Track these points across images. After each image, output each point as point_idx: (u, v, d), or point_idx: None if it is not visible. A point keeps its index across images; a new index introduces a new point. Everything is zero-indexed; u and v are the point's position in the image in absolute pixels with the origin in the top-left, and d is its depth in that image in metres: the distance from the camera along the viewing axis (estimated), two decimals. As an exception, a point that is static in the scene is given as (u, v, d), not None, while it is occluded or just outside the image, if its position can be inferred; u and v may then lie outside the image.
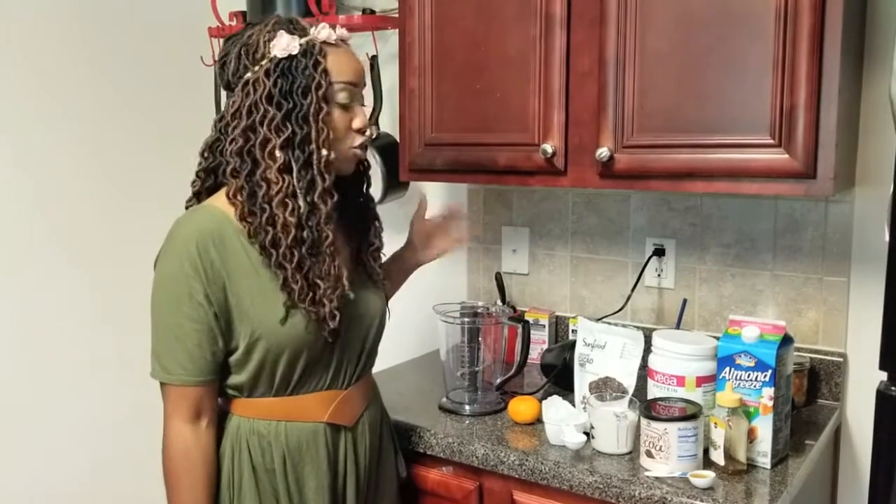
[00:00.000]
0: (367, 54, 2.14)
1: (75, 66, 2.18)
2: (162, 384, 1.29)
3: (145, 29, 2.34)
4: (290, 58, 1.27)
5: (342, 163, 1.34)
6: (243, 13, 2.30)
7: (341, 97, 1.30)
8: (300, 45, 1.27)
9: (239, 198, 1.28)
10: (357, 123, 1.33)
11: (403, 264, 1.70)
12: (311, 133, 1.26)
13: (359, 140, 1.35)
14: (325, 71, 1.27)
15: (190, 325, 1.25)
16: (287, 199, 1.26)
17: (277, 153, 1.26)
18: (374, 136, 1.39)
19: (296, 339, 1.30)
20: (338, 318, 1.30)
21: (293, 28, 1.30)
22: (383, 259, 1.52)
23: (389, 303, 1.55)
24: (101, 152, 2.26)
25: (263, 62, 1.27)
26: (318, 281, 1.28)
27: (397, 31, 1.84)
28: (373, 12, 2.16)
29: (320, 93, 1.26)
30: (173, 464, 1.29)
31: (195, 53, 2.36)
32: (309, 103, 1.26)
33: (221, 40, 2.34)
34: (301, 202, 1.26)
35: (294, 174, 1.26)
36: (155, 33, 2.37)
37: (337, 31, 1.33)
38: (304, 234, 1.27)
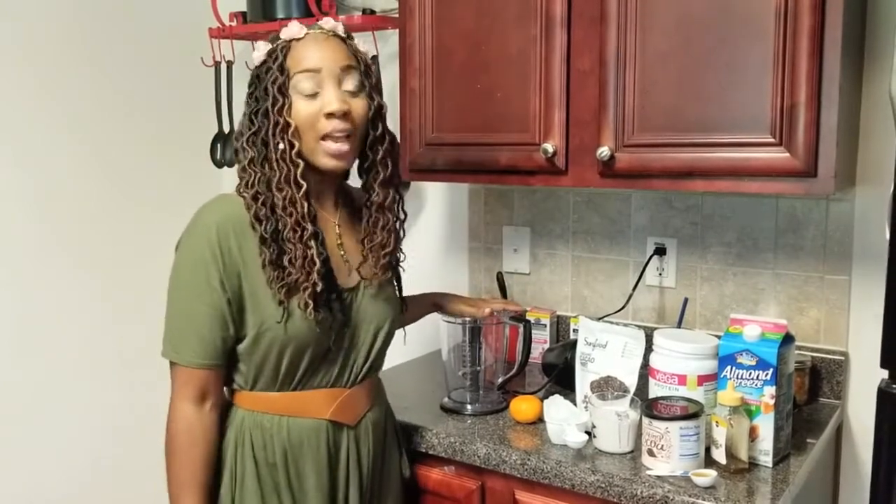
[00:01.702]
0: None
1: (75, 67, 2.18)
2: (171, 364, 1.32)
3: (145, 29, 2.35)
4: (262, 63, 1.35)
5: (313, 155, 1.33)
6: (243, 13, 2.29)
7: (304, 87, 1.31)
8: (268, 50, 1.34)
9: (241, 190, 1.35)
10: (326, 108, 1.31)
11: (432, 306, 1.74)
12: (269, 126, 1.31)
13: (328, 126, 1.31)
14: (282, 65, 1.32)
15: (203, 308, 1.29)
16: (258, 192, 1.32)
17: (246, 147, 1.34)
18: (352, 129, 1.33)
19: (300, 334, 1.31)
20: (310, 307, 1.29)
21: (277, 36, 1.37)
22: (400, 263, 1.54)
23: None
24: (101, 152, 2.26)
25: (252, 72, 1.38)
26: (290, 269, 1.30)
27: (397, 31, 1.84)
28: (373, 12, 2.16)
29: (276, 86, 1.31)
30: (174, 441, 1.32)
31: (195, 54, 2.36)
32: (268, 98, 1.31)
33: (222, 41, 2.34)
34: (264, 194, 1.31)
35: (257, 166, 1.32)
36: (155, 34, 2.37)
37: (311, 27, 1.35)
38: (268, 224, 1.30)
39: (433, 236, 2.28)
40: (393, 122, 2.07)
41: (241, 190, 1.34)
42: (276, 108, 1.30)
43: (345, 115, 1.32)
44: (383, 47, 2.20)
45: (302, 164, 1.32)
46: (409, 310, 1.61)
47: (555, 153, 1.62)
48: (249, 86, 1.36)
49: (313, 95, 1.31)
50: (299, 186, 1.31)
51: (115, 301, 2.28)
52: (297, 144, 1.31)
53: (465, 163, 1.75)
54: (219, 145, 2.42)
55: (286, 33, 1.34)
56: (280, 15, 2.19)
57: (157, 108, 2.39)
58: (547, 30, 1.61)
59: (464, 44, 1.71)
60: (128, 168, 2.32)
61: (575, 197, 2.03)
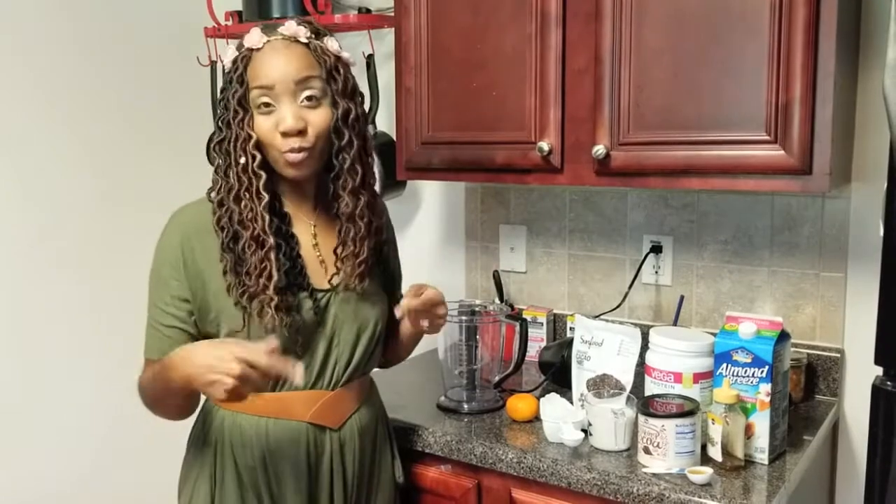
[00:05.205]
0: (363, 53, 2.14)
1: (71, 66, 2.18)
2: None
3: (141, 29, 2.34)
4: (227, 72, 1.34)
5: (276, 165, 1.32)
6: (239, 13, 2.29)
7: (260, 102, 1.30)
8: (233, 58, 1.33)
9: (210, 195, 1.36)
10: (280, 126, 1.29)
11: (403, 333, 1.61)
12: (231, 137, 1.31)
13: (284, 144, 1.29)
14: (241, 77, 1.30)
15: (166, 318, 1.32)
16: (223, 200, 1.32)
17: (214, 153, 1.34)
18: (308, 145, 1.31)
19: (260, 338, 1.26)
20: (268, 315, 1.27)
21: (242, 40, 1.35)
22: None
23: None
24: (97, 151, 2.25)
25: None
26: (246, 278, 1.29)
27: (393, 29, 1.84)
28: (369, 11, 2.16)
29: (236, 98, 1.30)
30: (144, 386, 1.33)
31: (191, 53, 2.36)
32: (229, 111, 1.31)
33: (217, 40, 2.34)
34: (227, 203, 1.31)
35: (222, 174, 1.33)
36: (151, 33, 2.37)
37: (272, 34, 1.31)
38: (229, 232, 1.30)
39: (429, 235, 2.28)
40: (389, 121, 2.08)
41: (211, 195, 1.34)
42: (237, 121, 1.29)
43: (300, 133, 1.29)
44: (379, 46, 2.20)
45: (264, 175, 1.30)
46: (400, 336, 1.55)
47: (550, 151, 1.62)
48: (220, 91, 1.35)
49: (270, 110, 1.30)
50: (260, 199, 1.29)
51: (113, 299, 2.28)
52: (258, 157, 1.30)
53: (461, 161, 1.75)
54: (215, 145, 2.42)
55: (248, 41, 1.31)
56: (276, 14, 2.18)
57: (153, 107, 2.39)
58: (542, 28, 1.61)
59: (459, 42, 1.71)
60: (123, 167, 2.32)
61: (571, 195, 2.03)
